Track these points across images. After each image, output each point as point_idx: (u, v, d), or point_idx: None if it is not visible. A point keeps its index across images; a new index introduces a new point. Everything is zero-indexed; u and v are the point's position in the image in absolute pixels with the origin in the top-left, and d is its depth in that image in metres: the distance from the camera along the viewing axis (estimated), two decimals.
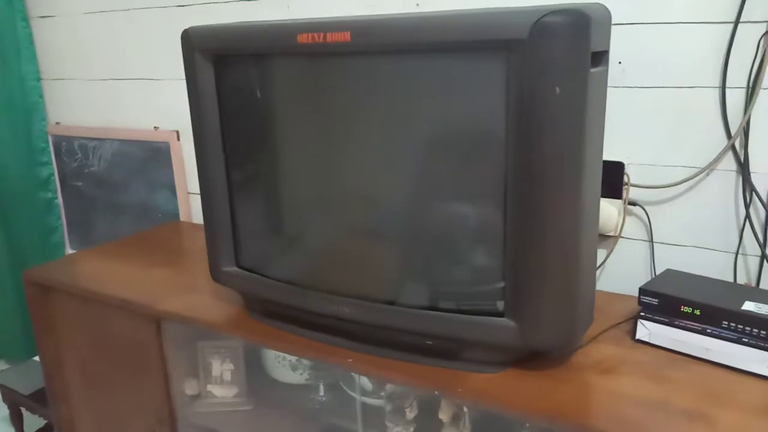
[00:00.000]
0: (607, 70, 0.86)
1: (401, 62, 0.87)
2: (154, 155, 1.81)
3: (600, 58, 0.83)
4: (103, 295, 1.28)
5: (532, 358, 0.93)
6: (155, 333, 1.25)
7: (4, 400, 1.89)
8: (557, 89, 0.76)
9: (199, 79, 1.02)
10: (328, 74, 0.93)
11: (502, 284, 0.87)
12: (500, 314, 0.88)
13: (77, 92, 1.96)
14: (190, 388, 1.32)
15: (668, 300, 0.96)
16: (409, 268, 0.95)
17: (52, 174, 2.08)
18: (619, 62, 1.13)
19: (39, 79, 2.01)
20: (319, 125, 0.98)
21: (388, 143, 0.92)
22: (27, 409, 1.86)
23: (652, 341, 0.97)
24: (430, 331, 0.93)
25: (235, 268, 1.12)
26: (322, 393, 1.27)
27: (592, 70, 0.79)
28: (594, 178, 0.86)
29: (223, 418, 1.31)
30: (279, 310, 1.09)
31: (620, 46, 1.09)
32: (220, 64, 1.03)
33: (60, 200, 2.11)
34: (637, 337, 0.99)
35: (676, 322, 0.95)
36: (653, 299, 0.97)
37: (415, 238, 0.94)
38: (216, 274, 1.14)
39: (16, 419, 1.88)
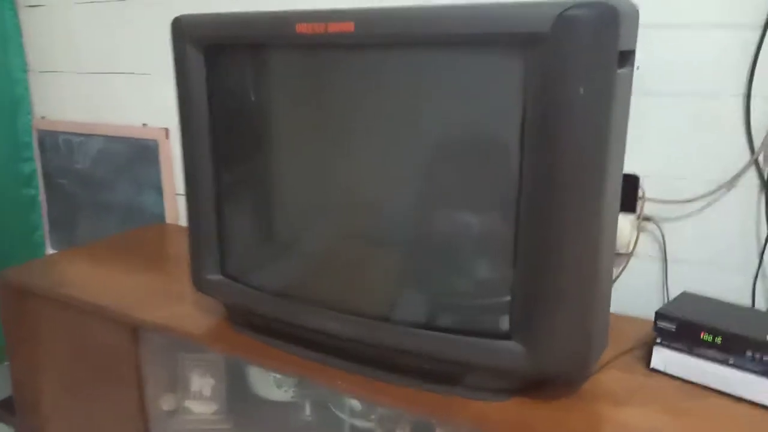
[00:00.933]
0: (632, 73, 0.79)
1: (408, 56, 0.80)
2: (141, 153, 1.73)
3: (627, 58, 0.76)
4: (78, 300, 1.20)
5: (539, 385, 0.85)
6: (132, 342, 1.16)
7: None
8: (581, 90, 0.69)
9: (189, 71, 0.94)
10: (328, 68, 0.86)
11: (509, 304, 0.80)
12: (506, 336, 0.80)
13: (65, 86, 1.88)
14: (167, 402, 1.23)
15: (687, 326, 0.88)
16: (408, 283, 0.88)
17: (35, 171, 1.99)
18: (637, 67, 1.06)
19: (26, 72, 1.93)
20: (316, 123, 0.90)
21: (391, 144, 0.84)
22: None
23: (668, 370, 0.90)
24: (428, 353, 0.85)
25: (220, 277, 1.04)
26: (308, 412, 1.19)
27: (619, 70, 0.72)
28: (615, 190, 0.79)
29: None
30: (265, 324, 1.01)
31: (638, 48, 1.02)
32: (213, 55, 0.95)
33: (42, 198, 2.02)
34: (652, 365, 0.91)
35: (695, 351, 0.87)
36: (670, 325, 0.89)
37: (416, 250, 0.87)
38: (198, 283, 1.06)
39: None
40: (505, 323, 0.80)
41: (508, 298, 0.80)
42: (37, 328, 1.34)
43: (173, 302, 1.17)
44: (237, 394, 1.23)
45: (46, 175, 1.99)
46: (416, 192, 0.85)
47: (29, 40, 1.91)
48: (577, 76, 0.69)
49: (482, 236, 0.81)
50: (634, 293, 1.11)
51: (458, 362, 0.84)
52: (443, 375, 0.86)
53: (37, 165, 1.99)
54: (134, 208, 1.78)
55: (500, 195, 0.78)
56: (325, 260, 0.94)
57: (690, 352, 0.88)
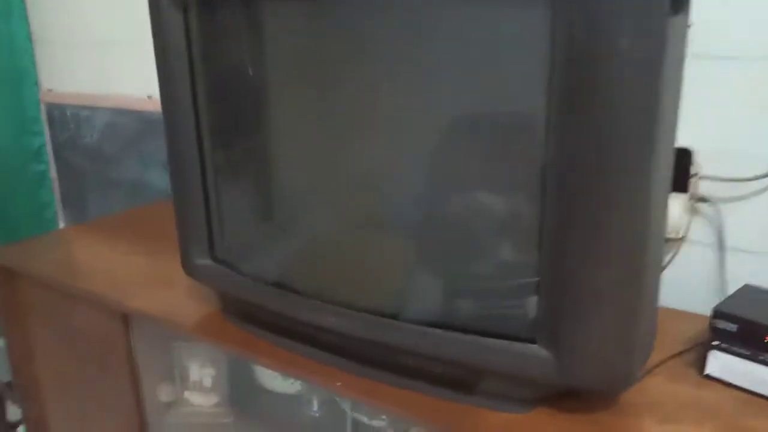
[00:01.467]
0: (687, 22, 0.64)
1: (416, 8, 0.66)
2: (147, 127, 1.63)
3: (681, 3, 0.61)
4: (67, 285, 1.11)
5: (568, 394, 0.72)
6: (122, 330, 1.07)
7: None
8: (624, 42, 0.55)
9: (166, 26, 0.82)
10: (330, 24, 0.73)
11: (534, 301, 0.67)
12: (530, 339, 0.67)
13: (70, 56, 1.79)
14: (164, 393, 1.15)
15: (751, 327, 0.74)
16: (418, 275, 0.75)
17: (44, 145, 1.92)
18: (690, 25, 0.90)
19: (30, 41, 1.84)
20: (317, 90, 0.78)
21: (402, 115, 0.71)
22: (6, 399, 1.72)
23: (726, 378, 0.76)
24: (439, 355, 0.73)
25: (209, 261, 0.93)
26: (315, 408, 1.08)
27: (673, 18, 0.57)
28: (666, 166, 0.64)
29: (201, 431, 1.13)
30: (258, 315, 0.90)
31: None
32: (194, 6, 0.83)
33: (53, 173, 1.95)
34: (707, 372, 0.77)
35: (760, 357, 0.73)
36: (731, 325, 0.75)
37: (428, 237, 0.74)
38: (188, 267, 0.95)
39: None
40: (528, 324, 0.67)
41: (533, 294, 0.67)
42: (29, 310, 1.26)
43: (167, 288, 1.07)
44: (240, 385, 1.13)
45: (56, 151, 1.92)
46: (429, 172, 0.72)
47: (33, 7, 1.82)
48: (619, 23, 0.54)
49: (503, 222, 0.67)
50: (685, 285, 0.96)
51: (473, 367, 0.72)
52: (456, 380, 0.74)
53: (47, 139, 1.92)
54: (141, 185, 1.69)
55: (524, 175, 0.64)
56: (326, 247, 0.82)
57: (753, 357, 0.74)
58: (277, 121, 0.83)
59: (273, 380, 1.11)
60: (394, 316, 0.76)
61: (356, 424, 0.98)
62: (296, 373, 0.84)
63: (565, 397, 0.72)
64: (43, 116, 1.89)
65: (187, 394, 1.14)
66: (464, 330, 0.70)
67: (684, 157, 0.93)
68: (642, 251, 0.61)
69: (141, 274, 1.14)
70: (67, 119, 1.83)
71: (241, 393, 1.13)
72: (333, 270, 0.82)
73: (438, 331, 0.72)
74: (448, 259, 0.72)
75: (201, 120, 0.87)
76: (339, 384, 0.78)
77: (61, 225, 1.99)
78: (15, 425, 1.74)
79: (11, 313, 1.27)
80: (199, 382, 1.13)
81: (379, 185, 0.75)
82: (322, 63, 0.76)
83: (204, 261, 0.93)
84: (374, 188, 0.76)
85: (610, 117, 0.57)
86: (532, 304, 0.67)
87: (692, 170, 0.93)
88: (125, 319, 1.06)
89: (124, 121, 1.68)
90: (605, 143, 0.58)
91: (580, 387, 0.69)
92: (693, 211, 0.95)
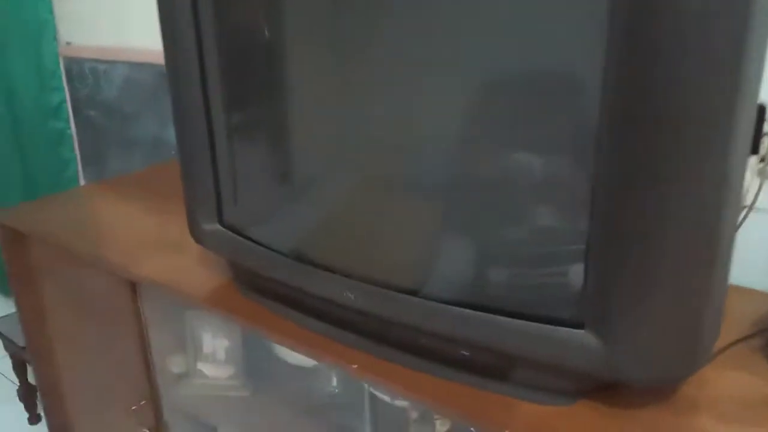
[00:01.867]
0: None
1: None
2: (166, 82, 1.55)
3: None
4: (76, 249, 1.05)
5: (616, 385, 0.63)
6: (131, 297, 1.01)
7: (6, 349, 1.73)
8: None
9: None
10: None
11: (583, 279, 0.57)
12: (576, 324, 0.58)
13: (89, 7, 1.71)
14: (176, 365, 1.09)
15: None
16: (448, 246, 0.66)
17: (64, 101, 1.86)
18: None
19: None
20: (337, 35, 0.68)
21: (433, 66, 0.61)
22: (27, 362, 1.70)
23: None
24: (471, 339, 0.64)
25: (217, 227, 0.85)
26: (335, 384, 1.01)
27: None
28: (746, 123, 0.53)
29: (215, 403, 1.07)
30: (271, 287, 0.82)
31: None
32: None
33: (73, 130, 1.90)
34: None
35: None
36: None
37: (460, 203, 0.64)
38: (195, 232, 0.87)
39: (20, 369, 1.73)
40: (575, 306, 0.58)
41: (581, 270, 0.57)
42: (40, 272, 1.21)
43: (177, 254, 1.00)
44: (256, 357, 1.06)
45: (75, 107, 1.86)
46: (463, 126, 0.62)
47: None
48: None
49: (547, 186, 0.57)
50: (753, 259, 0.85)
51: (508, 353, 0.63)
52: (489, 368, 0.65)
53: (66, 95, 1.86)
54: (161, 142, 1.62)
55: (576, 128, 0.54)
56: (345, 213, 0.73)
57: None
58: (293, 72, 0.73)
59: (290, 353, 1.04)
60: (418, 293, 0.67)
61: (377, 402, 0.90)
62: (309, 352, 0.77)
63: (612, 388, 0.63)
64: (62, 71, 1.83)
65: (200, 366, 1.08)
66: (499, 311, 0.61)
67: (758, 113, 0.80)
68: (717, 218, 0.51)
69: (152, 237, 1.07)
70: (85, 74, 1.77)
71: (257, 365, 1.06)
72: (352, 239, 0.74)
73: (469, 311, 0.63)
74: (482, 227, 0.62)
75: (208, 72, 0.78)
76: (355, 366, 0.70)
77: (82, 183, 1.95)
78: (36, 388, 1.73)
79: (23, 275, 1.22)
80: (213, 354, 1.07)
81: (407, 143, 0.66)
82: (342, 5, 0.65)
83: (212, 226, 0.85)
84: (401, 147, 0.66)
85: (684, 66, 0.46)
86: (579, 281, 0.57)
87: (766, 128, 0.81)
88: (133, 286, 0.99)
89: (143, 75, 1.61)
90: (679, 94, 0.47)
91: (633, 381, 0.59)
92: (764, 175, 0.83)
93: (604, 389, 0.63)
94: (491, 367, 0.65)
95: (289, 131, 0.77)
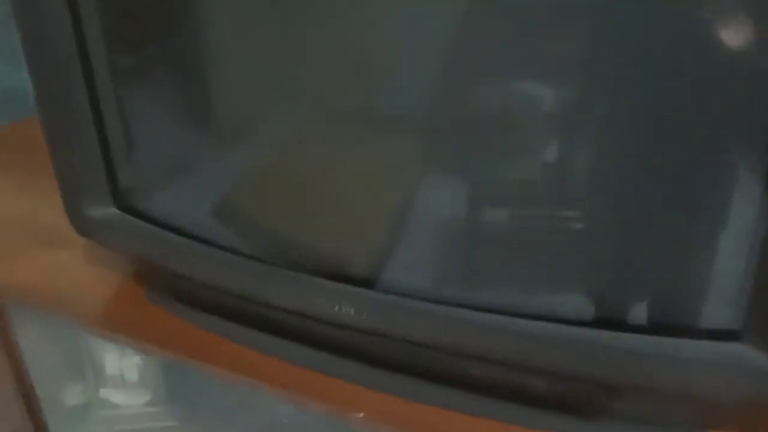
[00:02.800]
0: None
1: None
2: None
3: None
4: None
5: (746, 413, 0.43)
6: None
7: None
8: None
9: None
10: None
11: (735, 272, 0.36)
12: (730, 335, 0.37)
13: None
14: (71, 395, 0.81)
15: None
16: (497, 221, 0.42)
17: None
18: None
19: None
20: None
21: None
22: None
23: None
24: (563, 365, 0.42)
25: (114, 211, 0.56)
26: (288, 410, 0.77)
27: None
28: None
29: None
30: (204, 295, 0.56)
31: None
32: None
33: None
34: None
35: None
36: None
37: (487, 140, 0.41)
38: (78, 221, 0.59)
39: None
40: (727, 309, 0.37)
41: (733, 262, 0.35)
42: None
43: (57, 248, 0.70)
44: (179, 378, 0.80)
45: None
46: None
47: None
48: None
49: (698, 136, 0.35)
50: None
51: (620, 382, 0.41)
52: (571, 399, 0.44)
53: None
54: (17, 92, 1.26)
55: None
56: (309, 172, 0.48)
57: None
58: None
59: None
60: (471, 302, 0.43)
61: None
62: (279, 392, 0.52)
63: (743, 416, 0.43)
64: None
65: (104, 393, 0.80)
66: (607, 324, 0.39)
67: None
68: None
69: (20, 228, 0.76)
70: None
71: (183, 386, 0.80)
72: (325, 213, 0.48)
73: (544, 324, 0.40)
74: (552, 195, 0.40)
75: None
76: (361, 416, 0.46)
77: None
78: None
79: None
80: (121, 376, 0.80)
81: (399, 65, 0.41)
82: None
83: (103, 211, 0.57)
84: (389, 62, 0.41)
85: None
86: (738, 276, 0.36)
87: None
88: None
89: None
90: None
91: None
92: None
93: (732, 418, 0.43)
94: (580, 401, 0.43)
95: (213, 63, 0.49)
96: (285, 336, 0.52)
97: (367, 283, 0.45)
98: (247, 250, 0.50)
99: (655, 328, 0.38)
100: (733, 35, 0.31)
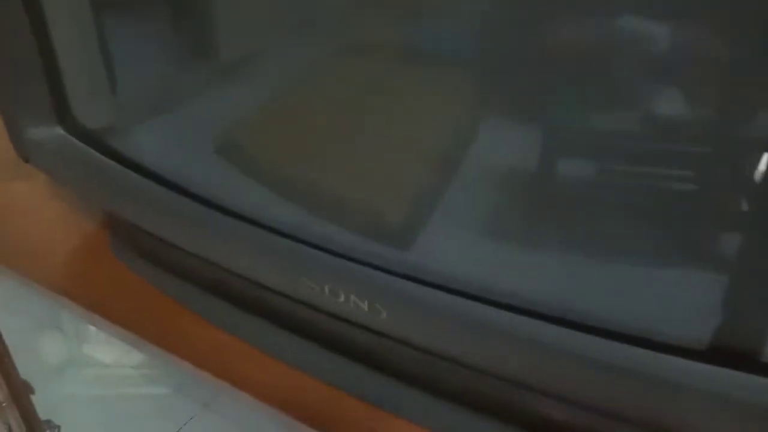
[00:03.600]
0: None
1: None
2: None
3: None
4: None
5: None
6: None
7: None
8: None
9: None
10: None
11: None
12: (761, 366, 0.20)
13: None
14: (49, 351, 0.68)
15: None
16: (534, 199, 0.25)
17: None
18: None
19: None
20: None
21: None
22: None
23: None
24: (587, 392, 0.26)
25: (58, 132, 0.41)
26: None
27: None
28: None
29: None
30: (181, 258, 0.40)
31: None
32: None
33: None
34: None
35: None
36: None
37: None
38: (18, 144, 0.43)
39: None
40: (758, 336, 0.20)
41: None
42: None
43: (11, 180, 0.55)
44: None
45: None
46: None
47: None
48: None
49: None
50: None
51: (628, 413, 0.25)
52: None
53: None
54: None
55: None
56: (328, 113, 0.31)
57: None
58: None
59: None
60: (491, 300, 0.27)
61: None
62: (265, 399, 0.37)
63: None
64: None
65: (87, 349, 0.68)
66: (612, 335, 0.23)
67: None
68: None
69: None
70: None
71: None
72: (342, 166, 0.32)
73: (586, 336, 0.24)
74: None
75: None
76: None
77: None
78: None
79: None
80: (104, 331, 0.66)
81: None
82: None
83: (45, 131, 0.41)
84: None
85: None
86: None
87: None
88: None
89: None
90: None
91: None
92: None
93: None
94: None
95: None
96: (282, 324, 0.37)
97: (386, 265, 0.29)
98: (237, 207, 0.34)
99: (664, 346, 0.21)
100: None
